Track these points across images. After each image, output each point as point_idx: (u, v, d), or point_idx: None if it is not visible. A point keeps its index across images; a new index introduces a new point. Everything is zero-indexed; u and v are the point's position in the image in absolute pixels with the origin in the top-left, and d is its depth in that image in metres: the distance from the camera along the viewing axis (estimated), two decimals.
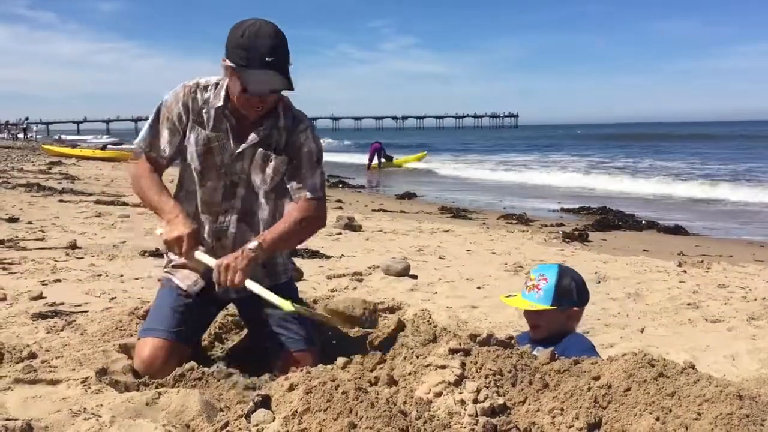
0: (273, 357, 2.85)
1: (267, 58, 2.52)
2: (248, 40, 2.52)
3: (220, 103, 2.74)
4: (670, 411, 1.95)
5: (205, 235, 2.85)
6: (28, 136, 55.30)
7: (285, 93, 2.76)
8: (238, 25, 2.59)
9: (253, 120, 2.76)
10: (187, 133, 2.79)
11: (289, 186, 2.86)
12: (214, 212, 2.84)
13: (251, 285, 2.63)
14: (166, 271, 2.99)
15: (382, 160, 28.15)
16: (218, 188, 2.81)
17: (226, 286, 2.64)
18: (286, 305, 2.57)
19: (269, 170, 2.81)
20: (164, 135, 2.79)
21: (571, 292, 2.68)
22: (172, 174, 2.94)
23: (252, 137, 2.77)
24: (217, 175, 2.80)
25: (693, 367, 2.22)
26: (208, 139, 2.76)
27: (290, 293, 2.97)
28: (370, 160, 27.85)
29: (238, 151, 2.78)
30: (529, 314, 2.76)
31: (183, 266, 2.92)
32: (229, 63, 2.59)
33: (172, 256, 2.93)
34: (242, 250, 2.63)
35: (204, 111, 2.77)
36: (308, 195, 2.82)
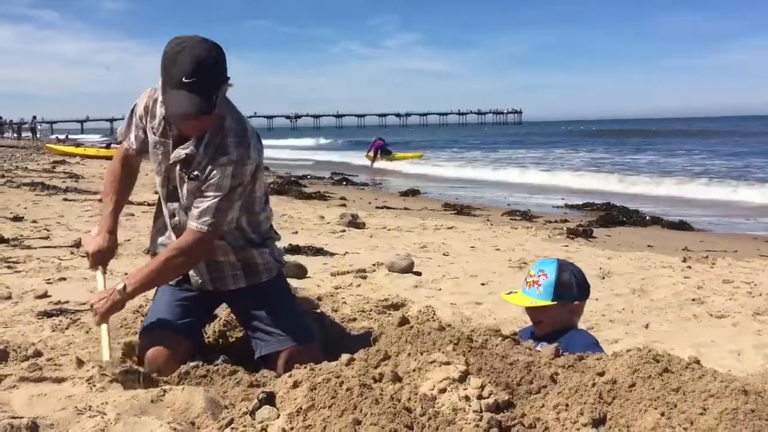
0: (267, 354, 2.87)
1: (185, 79, 2.42)
2: (169, 60, 2.47)
3: (163, 111, 2.73)
4: (675, 406, 1.94)
5: (167, 234, 2.97)
6: (38, 135, 55.51)
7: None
8: (170, 42, 2.52)
9: (186, 136, 2.72)
10: (147, 133, 2.88)
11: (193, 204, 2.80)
12: (168, 212, 2.93)
13: (103, 331, 2.73)
14: None
15: (395, 153, 29.56)
16: (164, 191, 2.90)
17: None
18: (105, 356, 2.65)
19: (185, 191, 2.79)
20: (132, 131, 2.93)
21: (571, 286, 2.69)
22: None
23: (176, 153, 2.74)
24: (160, 181, 2.89)
25: (698, 362, 2.21)
26: (156, 143, 2.83)
27: (277, 292, 3.01)
28: (375, 155, 28.59)
29: (170, 161, 2.78)
30: (530, 310, 2.77)
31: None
32: (160, 79, 2.56)
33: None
34: (113, 291, 2.70)
35: (160, 116, 2.78)
36: (192, 224, 2.73)
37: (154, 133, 2.81)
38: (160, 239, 3.01)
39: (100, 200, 2.92)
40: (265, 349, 2.86)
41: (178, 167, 2.77)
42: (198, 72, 2.43)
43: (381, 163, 27.86)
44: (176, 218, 2.89)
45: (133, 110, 2.90)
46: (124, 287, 2.67)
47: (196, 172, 2.71)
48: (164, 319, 2.83)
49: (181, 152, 2.73)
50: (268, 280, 2.99)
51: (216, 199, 2.70)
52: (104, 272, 2.94)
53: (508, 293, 2.87)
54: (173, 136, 2.76)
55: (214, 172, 2.69)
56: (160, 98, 2.72)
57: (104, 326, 2.72)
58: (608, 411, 1.97)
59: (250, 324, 2.92)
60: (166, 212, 2.93)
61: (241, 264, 2.93)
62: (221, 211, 2.71)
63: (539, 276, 2.72)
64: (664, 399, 1.97)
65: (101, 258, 2.92)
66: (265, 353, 2.86)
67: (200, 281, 2.94)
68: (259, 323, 2.88)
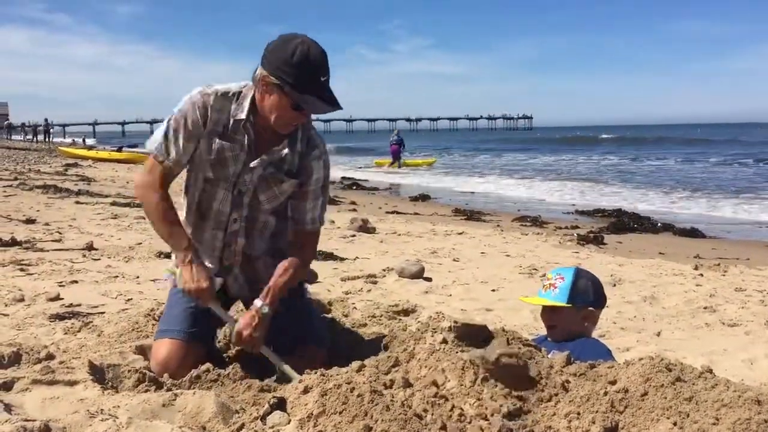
0: (284, 355, 2.83)
1: (322, 78, 2.55)
2: (301, 61, 2.50)
3: (243, 116, 2.69)
4: (688, 416, 1.93)
5: (213, 242, 2.87)
6: (51, 138, 55.94)
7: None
8: (285, 42, 2.55)
9: (271, 134, 2.73)
10: (202, 141, 2.73)
11: (291, 212, 2.90)
12: (223, 221, 2.84)
13: (266, 353, 2.72)
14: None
15: (404, 159, 29.75)
16: (227, 198, 2.80)
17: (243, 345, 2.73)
18: (290, 371, 2.64)
19: (277, 190, 2.82)
20: (179, 142, 2.72)
21: (587, 291, 2.69)
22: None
23: (268, 155, 2.75)
24: (226, 185, 2.78)
25: (710, 371, 2.20)
26: (223, 149, 2.73)
27: (298, 295, 3.01)
28: (397, 157, 29.01)
29: (251, 165, 2.75)
30: (545, 314, 2.78)
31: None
32: (273, 80, 2.55)
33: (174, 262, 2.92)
34: (255, 316, 2.67)
35: (221, 120, 2.72)
36: (306, 227, 2.88)
37: (220, 138, 2.72)
38: (205, 255, 2.86)
39: (164, 223, 2.76)
40: (305, 342, 2.87)
41: (262, 170, 2.76)
42: (328, 73, 2.58)
43: (385, 168, 28.04)
44: (236, 225, 2.83)
45: (177, 121, 2.71)
46: (268, 303, 2.69)
47: (289, 169, 2.79)
48: (178, 325, 2.80)
49: (277, 153, 2.75)
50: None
51: (322, 195, 2.89)
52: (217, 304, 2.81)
53: (526, 296, 2.91)
54: (249, 139, 2.72)
55: (313, 166, 2.82)
56: (224, 103, 2.70)
57: (264, 348, 2.72)
58: (620, 420, 1.97)
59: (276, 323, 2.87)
60: (220, 221, 2.84)
61: (256, 279, 2.91)
62: (325, 205, 2.94)
63: (556, 279, 2.74)
64: (677, 408, 1.96)
65: (212, 289, 2.74)
66: (305, 345, 2.86)
67: (237, 288, 2.94)
68: (279, 324, 2.84)
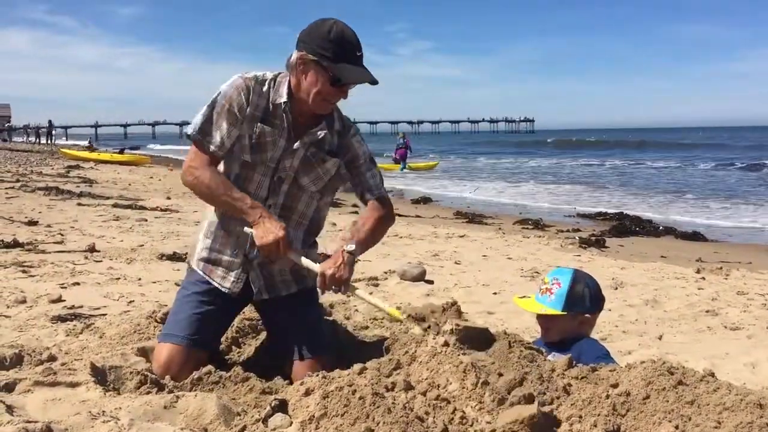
0: (288, 360, 2.85)
1: (357, 53, 2.65)
2: (338, 36, 2.61)
3: (283, 99, 2.73)
4: (690, 419, 1.93)
5: (243, 229, 2.79)
6: (53, 140, 56.09)
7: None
8: (320, 23, 2.66)
9: (309, 119, 2.78)
10: (243, 124, 2.74)
11: (355, 191, 2.96)
12: (268, 201, 2.81)
13: (357, 293, 2.74)
14: (198, 270, 2.90)
15: (421, 161, 30.80)
16: (264, 183, 2.80)
17: (328, 290, 2.70)
18: (395, 313, 2.69)
19: (321, 171, 2.84)
20: (223, 127, 2.72)
21: (583, 298, 2.67)
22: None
23: (308, 137, 2.78)
24: (264, 170, 2.79)
25: (713, 375, 2.20)
26: (263, 132, 2.74)
27: (309, 300, 3.01)
28: (403, 161, 29.31)
29: (292, 148, 2.77)
30: (540, 318, 2.77)
31: (216, 263, 2.87)
32: (311, 57, 2.62)
33: (199, 250, 2.90)
34: (342, 256, 2.66)
35: (261, 105, 2.75)
36: (376, 194, 2.93)
37: (261, 122, 2.74)
38: (230, 247, 2.86)
39: (224, 201, 2.74)
40: (314, 351, 2.85)
41: (304, 152, 2.79)
42: (362, 48, 2.68)
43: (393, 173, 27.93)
44: (271, 212, 2.77)
45: (215, 108, 2.72)
46: (356, 247, 2.72)
47: (329, 149, 2.84)
48: (182, 331, 2.78)
49: (316, 135, 2.79)
50: (313, 286, 2.94)
51: (373, 166, 2.96)
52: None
53: (521, 297, 2.87)
54: (288, 123, 2.75)
55: (353, 143, 2.90)
56: (264, 88, 2.74)
57: (360, 291, 2.74)
58: (622, 423, 1.96)
59: (285, 326, 2.89)
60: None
61: (289, 270, 2.90)
62: (381, 176, 3.02)
63: (553, 284, 2.71)
64: (679, 412, 1.96)
65: (289, 238, 2.69)
66: (312, 355, 2.84)
67: (258, 286, 2.88)
68: (288, 329, 2.87)
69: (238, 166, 2.79)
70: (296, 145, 2.77)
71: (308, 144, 2.79)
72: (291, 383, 2.60)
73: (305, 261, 2.72)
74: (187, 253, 3.07)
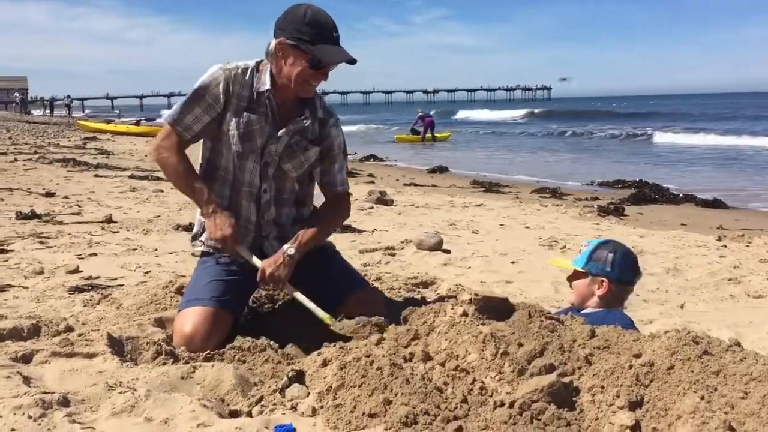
0: (337, 300, 2.91)
1: (334, 33, 2.72)
2: (313, 19, 2.68)
3: (267, 87, 2.81)
4: (716, 390, 1.89)
5: (248, 214, 2.93)
6: (71, 113, 56.53)
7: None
8: (295, 8, 2.72)
9: (292, 105, 2.87)
10: (228, 115, 2.82)
11: (319, 179, 3.06)
12: (254, 193, 2.92)
13: (294, 294, 2.82)
14: (210, 246, 2.96)
15: (436, 132, 29.36)
16: (256, 169, 2.88)
17: (267, 286, 2.85)
18: (326, 318, 2.73)
19: (303, 158, 2.93)
20: (195, 111, 2.82)
21: (605, 261, 2.66)
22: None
23: (293, 125, 2.86)
24: (255, 158, 2.87)
25: (738, 344, 2.15)
26: (250, 121, 2.82)
27: (329, 251, 3.13)
28: (424, 132, 28.72)
29: (278, 134, 2.85)
30: (569, 279, 2.82)
31: None
32: (289, 42, 2.68)
33: (205, 236, 2.97)
34: (282, 257, 2.78)
35: (244, 95, 2.82)
36: (338, 189, 3.05)
37: (246, 111, 2.82)
38: (244, 229, 2.94)
39: (190, 189, 2.89)
40: (359, 285, 3.02)
41: (288, 139, 2.87)
42: (338, 29, 2.76)
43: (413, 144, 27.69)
44: (267, 195, 2.93)
45: (193, 96, 2.82)
46: (297, 249, 2.80)
47: (312, 138, 2.94)
48: (208, 294, 2.78)
49: (302, 123, 2.89)
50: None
51: (344, 159, 3.07)
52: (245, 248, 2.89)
53: (555, 260, 2.97)
54: (272, 110, 2.84)
55: (332, 132, 2.99)
56: (245, 78, 2.81)
57: (297, 293, 2.81)
58: (645, 394, 1.92)
59: (310, 281, 2.93)
60: (252, 194, 2.92)
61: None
62: (346, 169, 3.12)
63: (584, 247, 2.79)
64: (704, 382, 1.91)
65: (237, 234, 2.82)
66: (360, 288, 3.00)
67: (273, 253, 2.92)
68: (321, 276, 2.94)
69: (233, 158, 2.88)
70: (281, 132, 2.86)
71: (293, 132, 2.88)
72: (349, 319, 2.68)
73: (247, 254, 2.85)
74: (193, 234, 3.07)
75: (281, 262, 2.77)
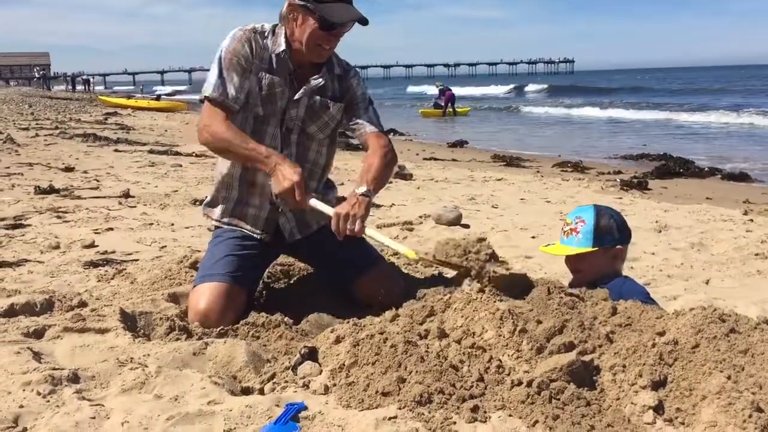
0: (353, 275, 2.89)
1: None
2: None
3: (282, 48, 2.75)
4: (743, 369, 1.82)
5: (265, 182, 2.81)
6: (91, 88, 57.14)
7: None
8: None
9: (309, 67, 2.80)
10: (252, 76, 2.75)
11: (353, 126, 2.93)
12: (283, 151, 2.82)
13: (371, 233, 2.64)
14: (225, 223, 2.93)
15: (457, 107, 28.84)
16: (277, 135, 2.82)
17: (343, 232, 2.58)
18: (410, 253, 2.57)
19: (326, 117, 2.87)
20: (234, 80, 2.72)
21: (611, 229, 2.56)
22: None
23: (311, 84, 2.80)
24: (276, 121, 2.81)
25: (767, 322, 2.07)
26: (272, 83, 2.75)
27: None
28: (445, 106, 28.30)
29: (295, 97, 2.79)
30: (570, 260, 2.66)
31: (242, 216, 2.91)
32: (299, 2, 2.64)
33: (222, 205, 2.93)
34: (355, 197, 2.61)
35: (264, 56, 2.77)
36: (376, 130, 2.91)
37: (268, 73, 2.76)
38: (257, 198, 2.88)
39: (243, 153, 2.68)
40: (374, 263, 2.95)
41: (308, 100, 2.82)
42: None
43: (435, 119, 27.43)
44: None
45: (222, 64, 2.71)
46: (369, 188, 2.66)
47: (332, 95, 2.88)
48: (222, 269, 2.74)
49: (317, 81, 2.81)
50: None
51: (372, 107, 2.97)
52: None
53: (546, 245, 2.76)
54: (291, 72, 2.79)
55: (353, 84, 2.93)
56: (263, 40, 2.76)
57: (372, 231, 2.64)
58: (669, 373, 1.86)
59: (325, 258, 2.94)
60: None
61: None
62: (379, 114, 3.01)
63: (576, 223, 2.60)
64: (731, 361, 1.84)
65: (305, 182, 2.63)
66: (375, 267, 2.93)
67: (290, 229, 2.91)
68: (336, 252, 2.84)
69: (253, 121, 2.80)
70: (298, 94, 2.80)
71: (310, 91, 2.82)
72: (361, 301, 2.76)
73: (320, 205, 2.66)
74: (206, 211, 3.01)
75: (355, 202, 2.59)
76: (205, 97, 2.75)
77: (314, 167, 2.93)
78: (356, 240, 2.94)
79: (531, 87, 62.43)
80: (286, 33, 2.76)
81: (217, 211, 2.95)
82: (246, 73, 2.73)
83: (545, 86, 61.61)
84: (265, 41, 2.77)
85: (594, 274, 2.58)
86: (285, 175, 2.58)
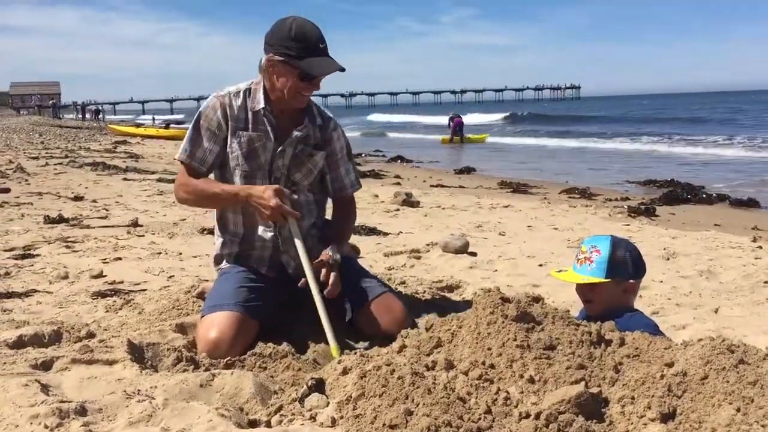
0: (359, 305, 2.93)
1: (321, 45, 2.78)
2: (299, 33, 2.74)
3: (261, 105, 2.90)
4: (752, 401, 1.80)
5: (264, 233, 2.98)
6: (102, 117, 57.93)
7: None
8: (281, 23, 2.80)
9: (291, 115, 2.95)
10: (229, 139, 2.91)
11: (331, 184, 3.15)
12: None
13: (318, 304, 2.73)
14: (231, 263, 3.06)
15: (467, 135, 28.91)
16: (269, 182, 2.92)
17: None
18: (335, 351, 2.62)
19: (310, 165, 3.02)
20: (204, 144, 2.92)
21: (626, 263, 2.54)
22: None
23: (294, 135, 2.94)
24: (262, 175, 2.93)
25: None
26: (251, 139, 2.90)
27: (346, 260, 3.07)
28: (452, 133, 28.34)
29: (279, 148, 2.93)
30: (581, 289, 2.64)
31: (246, 259, 3.02)
32: (278, 57, 2.77)
33: (226, 252, 3.09)
34: (329, 263, 2.82)
35: (241, 117, 2.91)
36: (349, 191, 3.20)
37: (245, 131, 2.91)
38: (260, 251, 3.04)
39: (212, 197, 2.98)
40: (379, 289, 2.98)
41: (292, 150, 2.95)
42: (324, 39, 2.82)
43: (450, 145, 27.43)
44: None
45: (196, 128, 2.93)
46: (339, 253, 2.92)
47: (315, 144, 3.03)
48: (233, 299, 2.76)
49: (300, 132, 2.96)
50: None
51: (350, 160, 3.20)
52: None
53: (558, 271, 2.74)
54: (272, 125, 2.92)
55: (332, 136, 3.10)
56: (239, 100, 2.91)
57: (320, 306, 2.72)
58: (678, 405, 1.85)
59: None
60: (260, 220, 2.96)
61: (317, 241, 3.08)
62: (356, 169, 3.27)
63: (591, 252, 2.59)
64: (740, 393, 1.83)
65: (281, 191, 2.81)
66: (380, 292, 2.96)
67: (293, 264, 2.98)
68: (341, 283, 2.88)
69: (242, 179, 2.94)
70: (284, 144, 2.94)
71: (296, 141, 2.96)
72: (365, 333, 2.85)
73: (303, 260, 2.79)
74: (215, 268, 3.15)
75: (328, 268, 2.82)
76: (178, 158, 2.98)
77: (302, 210, 2.98)
78: (360, 272, 3.09)
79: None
80: (265, 87, 2.90)
81: (224, 259, 3.09)
82: (215, 139, 2.92)
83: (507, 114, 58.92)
84: (240, 102, 2.92)
85: (604, 305, 2.56)
86: (259, 201, 2.77)
